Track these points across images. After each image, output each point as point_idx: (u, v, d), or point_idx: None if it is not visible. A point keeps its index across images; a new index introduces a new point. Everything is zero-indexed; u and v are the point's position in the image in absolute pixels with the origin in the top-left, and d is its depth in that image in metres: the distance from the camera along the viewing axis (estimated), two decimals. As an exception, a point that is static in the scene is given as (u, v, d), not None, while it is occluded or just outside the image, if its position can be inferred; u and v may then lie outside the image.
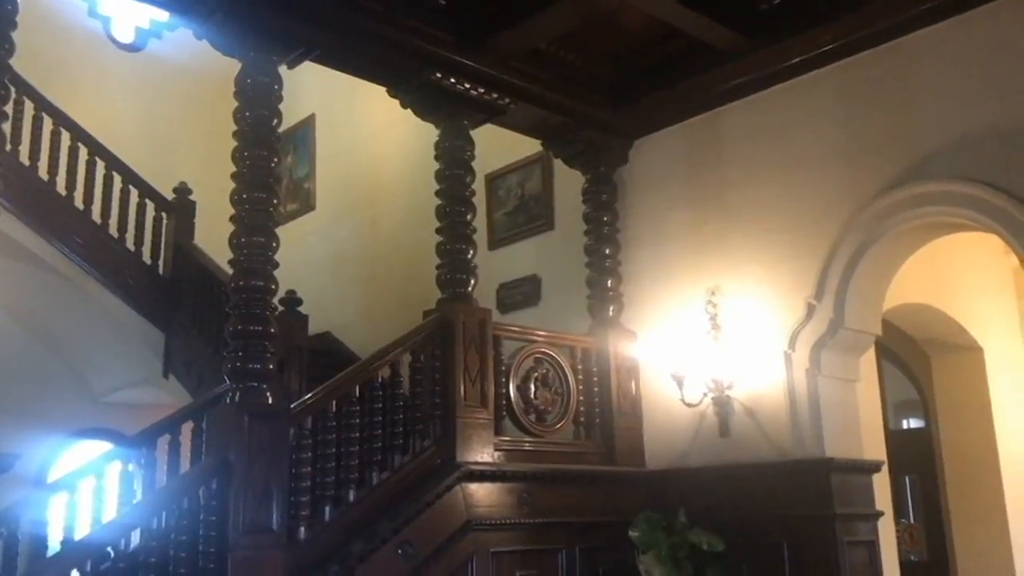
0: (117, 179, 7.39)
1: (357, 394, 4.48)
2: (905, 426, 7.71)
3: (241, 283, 4.14)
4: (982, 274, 6.51)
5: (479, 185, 5.47)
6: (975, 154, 4.34)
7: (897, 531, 5.70)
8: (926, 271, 5.71)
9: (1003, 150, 4.26)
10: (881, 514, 4.88)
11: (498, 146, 6.33)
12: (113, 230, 7.30)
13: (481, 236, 5.59)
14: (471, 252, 4.98)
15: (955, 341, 6.37)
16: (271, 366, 4.14)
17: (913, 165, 4.55)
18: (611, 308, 5.61)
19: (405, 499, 4.43)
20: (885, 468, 5.08)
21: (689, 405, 5.14)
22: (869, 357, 5.27)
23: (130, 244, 7.35)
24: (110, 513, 4.44)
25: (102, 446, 7.28)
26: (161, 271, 7.48)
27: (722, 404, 5.06)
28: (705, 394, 5.11)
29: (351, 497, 4.32)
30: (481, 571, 4.50)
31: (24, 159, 6.93)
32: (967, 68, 4.45)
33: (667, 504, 4.97)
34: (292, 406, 4.26)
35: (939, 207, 4.48)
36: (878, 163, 4.68)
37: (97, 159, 7.31)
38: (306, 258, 7.80)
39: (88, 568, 3.57)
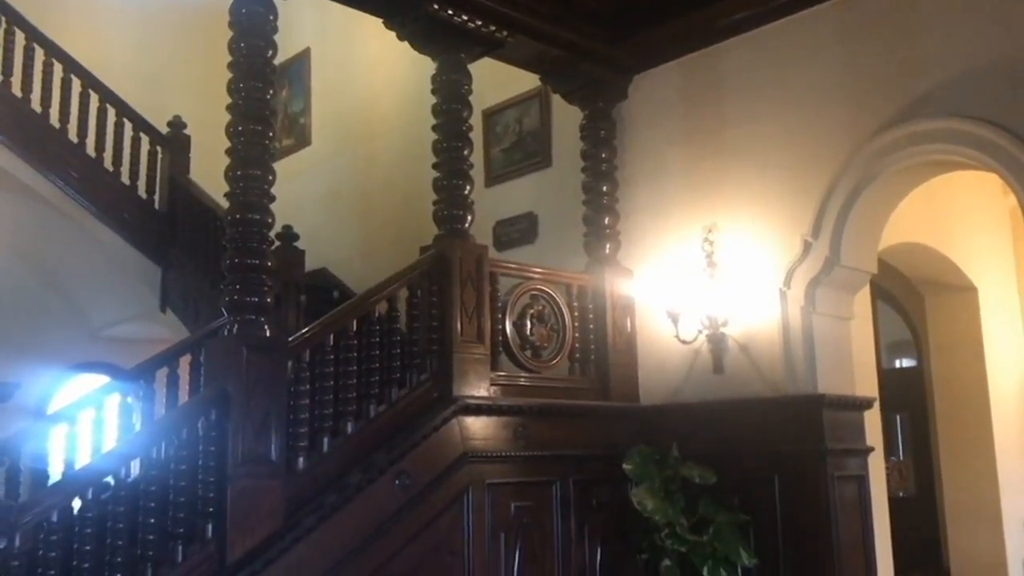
0: (111, 112, 7.33)
1: (354, 328, 4.50)
2: (898, 366, 7.80)
3: (237, 216, 4.13)
4: (979, 214, 6.51)
5: (476, 121, 5.43)
6: (977, 91, 4.31)
7: (886, 468, 5.79)
8: (923, 210, 5.71)
9: (1006, 87, 4.23)
10: (871, 450, 4.96)
11: (496, 81, 6.27)
12: (108, 164, 7.26)
13: (478, 173, 5.57)
14: (468, 188, 4.97)
15: (949, 281, 6.40)
16: (268, 299, 4.15)
17: (913, 102, 4.52)
18: (608, 246, 5.62)
19: (402, 431, 4.48)
20: (876, 405, 5.14)
21: (684, 342, 5.18)
22: (864, 295, 5.30)
23: (125, 178, 7.32)
24: (110, 444, 4.49)
25: (101, 380, 7.32)
26: (157, 206, 7.46)
27: (716, 341, 5.10)
28: (700, 331, 5.14)
29: (349, 429, 4.37)
30: (477, 502, 4.58)
31: (16, 90, 6.85)
32: (971, 3, 4.40)
33: (660, 439, 5.04)
34: (290, 339, 4.29)
35: (939, 145, 4.46)
36: (878, 100, 4.65)
37: (90, 91, 7.24)
38: (302, 194, 7.77)
39: (89, 496, 3.63)
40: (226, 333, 4.13)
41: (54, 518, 3.50)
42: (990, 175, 4.82)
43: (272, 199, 4.20)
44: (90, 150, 7.17)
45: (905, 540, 5.78)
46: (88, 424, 4.70)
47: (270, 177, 4.22)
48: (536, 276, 5.25)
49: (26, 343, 7.36)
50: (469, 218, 4.94)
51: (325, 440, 4.28)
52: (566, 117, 6.04)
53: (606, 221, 5.63)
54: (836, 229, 4.74)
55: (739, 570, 4.64)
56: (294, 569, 3.88)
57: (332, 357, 4.39)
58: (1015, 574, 6.11)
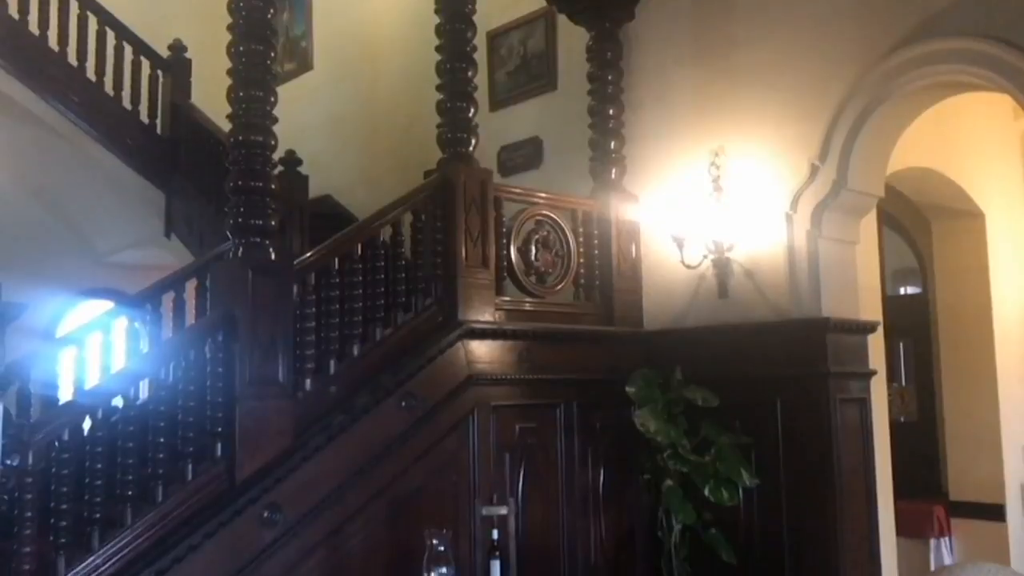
0: (110, 36, 7.23)
1: (359, 253, 4.51)
2: (902, 293, 7.80)
3: (240, 138, 4.10)
4: (988, 139, 6.43)
5: (480, 44, 5.33)
6: (992, 10, 4.21)
7: (888, 393, 5.83)
8: (931, 134, 5.64)
9: (1021, 5, 4.13)
10: (874, 373, 4.98)
11: (500, 2, 6.16)
12: (108, 89, 7.18)
13: (482, 97, 5.50)
14: (472, 110, 4.91)
15: (957, 206, 6.35)
16: (273, 222, 4.14)
17: (926, 21, 4.43)
18: (613, 170, 5.57)
19: (408, 355, 4.51)
20: (880, 329, 5.15)
21: (689, 267, 5.18)
22: (870, 220, 5.27)
23: (126, 103, 7.26)
24: (118, 367, 4.53)
25: (107, 306, 7.36)
26: (159, 131, 7.41)
27: (722, 266, 5.09)
28: (705, 256, 5.13)
29: (355, 352, 4.41)
30: (482, 423, 4.63)
31: (13, 12, 6.75)
32: (988, -82, 4.28)
33: (664, 363, 5.07)
34: (295, 262, 4.30)
35: (951, 66, 4.38)
36: (889, 20, 4.55)
37: (89, 15, 7.13)
38: (304, 120, 7.70)
39: (99, 415, 3.68)
40: (231, 256, 4.13)
41: (65, 437, 3.56)
42: (1001, 98, 4.75)
43: (274, 120, 4.17)
44: (90, 74, 7.09)
45: (905, 464, 5.85)
46: (96, 347, 4.74)
47: (272, 99, 4.18)
48: (541, 201, 5.23)
49: (33, 269, 7.37)
50: (473, 141, 4.89)
51: (332, 363, 4.32)
52: (572, 39, 5.94)
53: (612, 145, 5.58)
54: (844, 152, 4.69)
55: (740, 490, 4.71)
56: (303, 487, 3.95)
57: (337, 281, 4.40)
58: (1013, 497, 6.19)
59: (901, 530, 5.46)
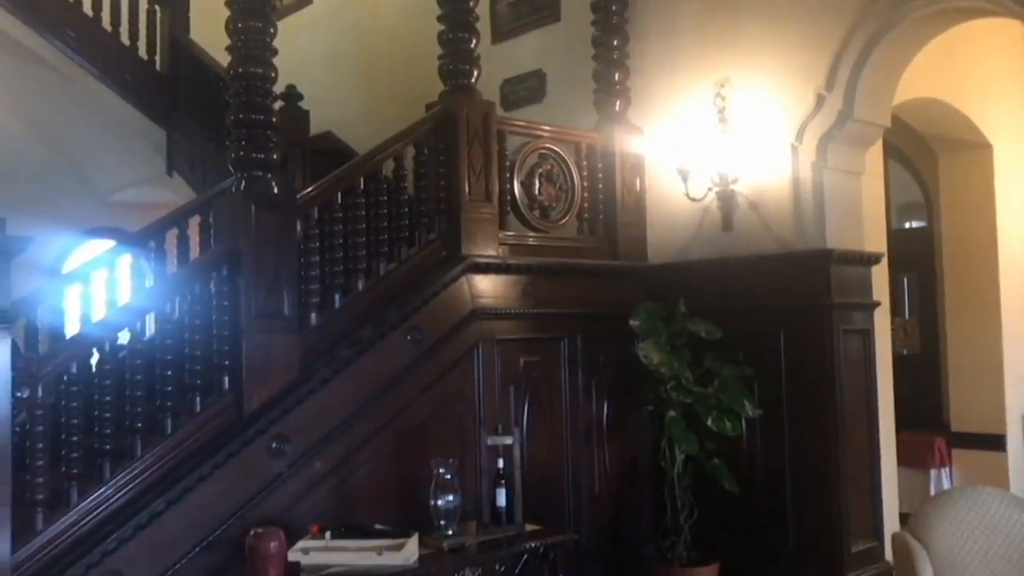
0: (106, -31, 7.11)
1: (362, 187, 4.50)
2: (907, 227, 7.78)
3: (240, 70, 4.06)
4: (997, 68, 6.34)
5: (481, -27, 5.24)
6: (1003, -67, 4.13)
7: (892, 327, 5.85)
8: (939, 64, 5.56)
9: (1033, -72, 4.05)
10: (878, 304, 4.99)
11: (502, -70, 6.04)
12: (106, 24, 7.09)
13: (484, 29, 5.42)
14: (474, 41, 4.85)
15: (964, 138, 6.29)
16: (275, 156, 4.13)
17: (937, -54, 4.34)
18: (618, 103, 5.52)
19: (412, 289, 4.53)
20: (885, 261, 5.14)
21: (693, 200, 5.16)
22: (876, 151, 5.23)
23: (124, 39, 7.16)
24: (124, 302, 4.55)
25: (110, 245, 7.37)
26: (158, 67, 7.32)
27: (726, 198, 5.07)
28: (710, 188, 5.11)
29: (360, 286, 4.42)
30: (487, 356, 4.66)
31: (7, -53, 6.64)
32: None
33: (668, 297, 5.07)
34: (297, 197, 4.29)
35: (961, -10, 4.32)
36: (899, -55, 4.47)
37: (84, -52, 7.01)
38: (303, 56, 7.58)
39: (107, 349, 3.71)
40: (233, 190, 4.12)
41: (73, 370, 3.59)
42: (1010, 26, 4.68)
43: (274, 52, 4.13)
44: (87, 9, 6.99)
45: (907, 397, 5.90)
46: (101, 284, 4.75)
47: (271, 30, 4.13)
48: (544, 134, 5.19)
49: (36, 207, 7.34)
50: (476, 73, 4.84)
51: (336, 297, 4.34)
52: (575, -32, 5.83)
53: (616, 77, 5.51)
54: (851, 81, 4.64)
55: (742, 421, 4.75)
56: (310, 419, 3.99)
57: (340, 215, 4.39)
58: (1013, 427, 6.24)
59: (902, 460, 5.53)
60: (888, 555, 4.58)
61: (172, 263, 4.98)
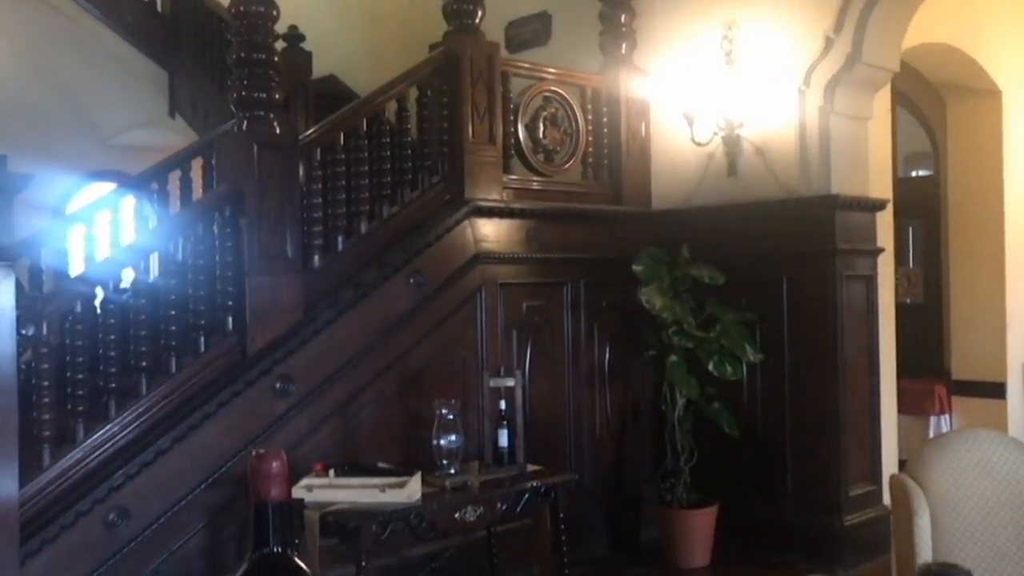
0: (105, -93, 7.00)
1: (364, 128, 4.47)
2: (914, 176, 7.73)
3: (241, 8, 4.01)
4: (1009, 13, 6.23)
5: (487, -89, 5.14)
6: None
7: (896, 277, 5.84)
8: (949, 9, 5.48)
9: None
10: (882, 250, 4.97)
11: None
12: (106, -37, 7.00)
13: (488, -31, 5.33)
14: (479, -19, 4.78)
15: (973, 84, 6.22)
16: (277, 96, 4.09)
17: None
18: (623, 45, 5.45)
19: (415, 232, 4.52)
20: (890, 208, 5.12)
21: (698, 144, 5.12)
22: (884, 96, 5.17)
23: (125, -22, 7.08)
24: (127, 243, 4.55)
25: (113, 188, 7.35)
26: (159, 7, 7.24)
27: (732, 143, 5.04)
28: (715, 133, 5.07)
29: (362, 229, 4.42)
30: (490, 300, 4.67)
31: None
32: None
33: (671, 243, 5.07)
34: (300, 138, 4.27)
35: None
36: None
37: None
38: (306, -1, 7.50)
39: (111, 288, 3.72)
40: (235, 130, 4.10)
41: (78, 309, 3.61)
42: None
43: (276, -10, 4.07)
44: (88, -51, 6.90)
45: (910, 345, 5.90)
46: (105, 225, 4.75)
47: (273, -32, 4.07)
48: (549, 77, 5.14)
49: (38, 148, 7.31)
50: (480, 12, 4.77)
51: (339, 239, 4.34)
52: (582, -95, 5.71)
53: (622, 19, 5.44)
54: (860, 24, 4.57)
55: (744, 366, 4.77)
56: (314, 360, 4.02)
57: (343, 157, 4.37)
58: (1014, 375, 6.26)
59: (902, 407, 5.56)
60: (886, 499, 4.62)
61: (175, 205, 4.97)
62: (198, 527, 3.65)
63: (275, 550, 1.08)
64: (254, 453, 1.11)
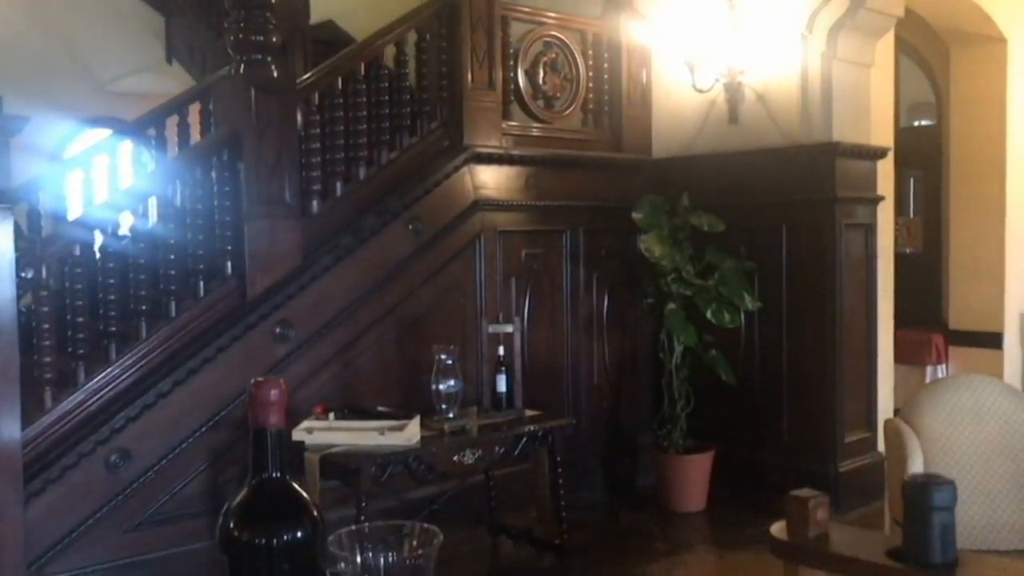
0: None
1: (363, 73, 4.43)
2: (916, 125, 7.68)
3: (237, -52, 3.96)
4: (1017, -41, 6.15)
5: None
6: None
7: (896, 227, 5.82)
8: (957, -47, 5.40)
9: None
10: (882, 199, 4.96)
11: None
12: (99, -96, 6.88)
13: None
14: (479, -78, 4.70)
15: (978, 31, 6.14)
16: (274, 39, 4.05)
17: None
18: (625, -11, 5.38)
19: (414, 179, 4.51)
20: (891, 157, 5.09)
21: (700, 91, 5.07)
22: (886, 43, 5.11)
23: (119, -79, 6.96)
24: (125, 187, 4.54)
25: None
26: (154, -49, 7.14)
27: (733, 90, 4.99)
28: (717, 80, 5.02)
29: (361, 175, 4.40)
30: (489, 248, 4.67)
31: None
32: None
33: (671, 191, 5.05)
34: (298, 82, 4.24)
35: None
36: None
37: None
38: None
39: (110, 232, 3.71)
40: (232, 74, 4.06)
41: (77, 252, 3.61)
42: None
43: (272, -71, 4.00)
44: None
45: (908, 295, 5.92)
46: (103, 170, 4.73)
47: (270, -93, 4.01)
48: (550, 21, 5.08)
49: (34, 93, 7.23)
50: (480, -44, 4.70)
51: (338, 185, 4.32)
52: None
53: (623, -37, 5.36)
54: (865, -32, 4.52)
55: (742, 314, 4.78)
56: (313, 305, 4.03)
57: (341, 102, 4.34)
58: (1011, 325, 6.28)
59: (899, 357, 5.58)
60: (881, 447, 4.66)
61: (173, 151, 4.95)
62: (199, 469, 3.70)
63: (274, 475, 1.10)
64: (253, 381, 1.12)
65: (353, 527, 0.96)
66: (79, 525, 3.41)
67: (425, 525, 0.93)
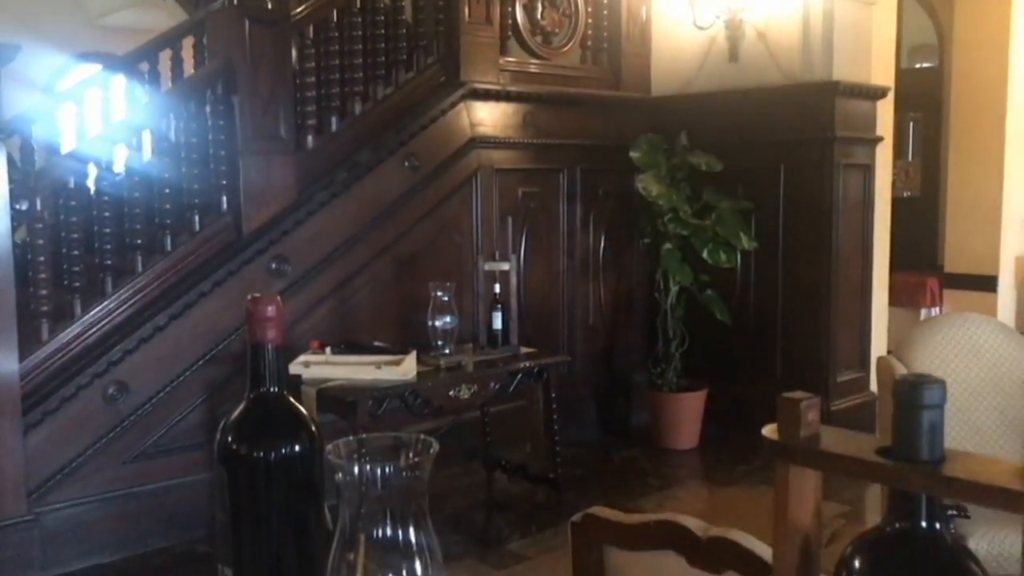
0: None
1: (358, 5, 4.36)
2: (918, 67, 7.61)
3: None
4: None
5: None
6: None
7: (894, 170, 5.80)
8: None
9: None
10: (881, 139, 4.94)
11: None
12: None
13: None
14: None
15: (984, -30, 6.07)
16: (268, -31, 3.99)
17: None
18: (625, -77, 5.28)
19: (410, 115, 4.47)
20: (891, 97, 5.05)
21: (700, 28, 5.01)
22: (891, -20, 5.05)
23: None
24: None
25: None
26: None
27: (734, 28, 4.93)
28: (717, 17, 4.96)
29: (357, 110, 4.36)
30: (485, 186, 4.65)
31: None
32: None
33: (669, 130, 5.01)
34: (292, 14, 4.17)
35: None
36: None
37: None
38: None
39: (104, 165, 3.69)
40: (226, 5, 4.00)
41: (71, 184, 3.58)
42: None
43: None
44: None
45: (905, 238, 5.92)
46: (96, 104, 4.67)
47: None
48: (549, -46, 5.00)
49: (23, 27, 7.12)
50: None
51: (333, 120, 4.28)
52: None
53: None
54: (870, -99, 4.43)
55: (738, 254, 4.78)
56: (309, 241, 4.02)
57: (336, 35, 4.28)
58: (1006, 269, 6.30)
59: (894, 300, 5.61)
60: (873, 386, 4.71)
61: (167, 87, 4.88)
62: (197, 402, 3.72)
63: (272, 389, 1.10)
64: (250, 297, 1.12)
65: (351, 437, 0.97)
66: (78, 456, 3.44)
67: (422, 436, 0.94)
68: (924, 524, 0.64)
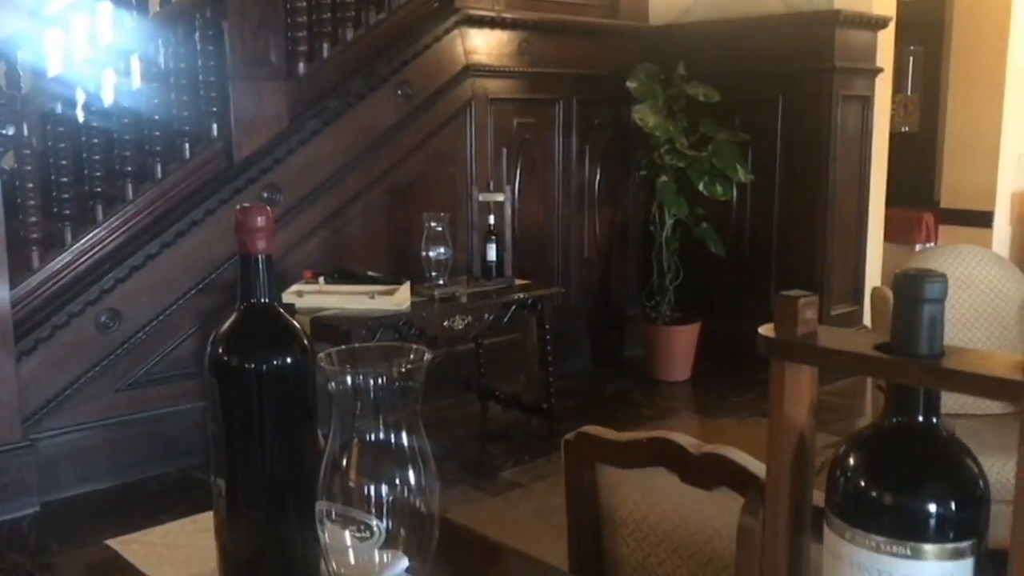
0: None
1: (350, -73, 4.25)
2: (920, -1, 7.48)
3: None
4: None
5: None
6: None
7: (893, 104, 5.73)
8: None
9: None
10: (880, 71, 4.87)
11: None
12: None
13: None
14: None
15: None
16: None
17: None
18: None
19: (403, 41, 4.39)
20: (892, 28, 4.97)
21: (699, -45, 4.91)
22: (896, -93, 4.93)
23: None
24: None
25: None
26: None
27: (734, -46, 4.84)
28: (717, -57, 4.85)
29: (349, 36, 4.28)
30: (479, 116, 4.59)
31: None
32: None
33: (667, 60, 4.93)
34: (282, -66, 4.06)
35: None
36: None
37: None
38: None
39: (92, 90, 3.62)
40: (214, -74, 3.89)
41: (59, 109, 3.53)
42: None
43: None
44: None
45: (902, 173, 5.88)
46: (82, 29, 4.57)
47: None
48: None
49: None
50: None
51: (325, 46, 4.20)
52: None
53: None
54: None
55: (734, 186, 4.75)
56: (301, 170, 3.98)
57: (328, -43, 4.18)
58: (1002, 205, 6.27)
59: (889, 235, 5.59)
60: (867, 320, 4.73)
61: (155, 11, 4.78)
62: (190, 331, 3.71)
63: (263, 300, 1.08)
64: (239, 207, 1.09)
65: (344, 346, 0.96)
66: (71, 383, 3.45)
67: (415, 346, 0.93)
68: (921, 419, 0.63)
